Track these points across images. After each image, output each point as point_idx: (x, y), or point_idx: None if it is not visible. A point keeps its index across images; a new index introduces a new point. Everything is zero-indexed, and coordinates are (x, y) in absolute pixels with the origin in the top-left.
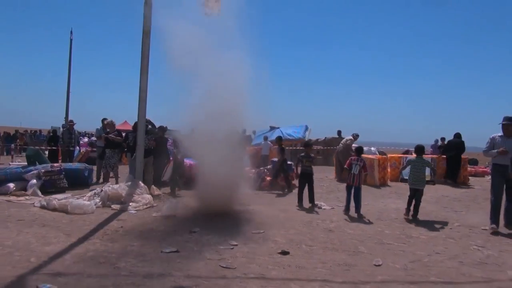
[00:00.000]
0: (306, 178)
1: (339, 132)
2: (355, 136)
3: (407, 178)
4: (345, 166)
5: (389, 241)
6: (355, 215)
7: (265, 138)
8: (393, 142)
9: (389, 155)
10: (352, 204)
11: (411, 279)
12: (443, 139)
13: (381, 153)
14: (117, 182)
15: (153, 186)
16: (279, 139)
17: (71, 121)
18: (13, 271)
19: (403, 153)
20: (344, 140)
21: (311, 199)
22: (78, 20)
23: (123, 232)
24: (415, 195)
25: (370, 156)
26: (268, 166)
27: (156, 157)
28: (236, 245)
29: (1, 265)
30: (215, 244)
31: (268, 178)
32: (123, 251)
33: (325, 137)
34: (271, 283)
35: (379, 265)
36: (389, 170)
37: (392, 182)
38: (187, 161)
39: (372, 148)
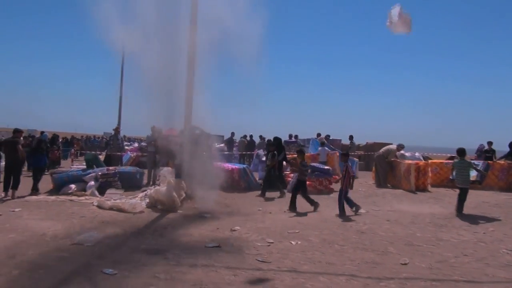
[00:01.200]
0: (303, 186)
1: (350, 137)
2: (399, 147)
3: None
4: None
5: (419, 243)
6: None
7: (322, 144)
8: (441, 148)
9: (431, 161)
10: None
11: (435, 277)
12: (490, 143)
13: (425, 158)
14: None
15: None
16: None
17: (117, 127)
18: (80, 258)
19: (448, 159)
20: (385, 148)
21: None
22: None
23: (171, 229)
24: (461, 193)
25: (406, 161)
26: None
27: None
28: (272, 242)
29: (71, 253)
30: (253, 241)
31: (307, 183)
32: (171, 244)
33: (366, 142)
34: (302, 275)
35: (405, 264)
36: (430, 175)
37: (434, 187)
38: (229, 165)
39: (416, 154)
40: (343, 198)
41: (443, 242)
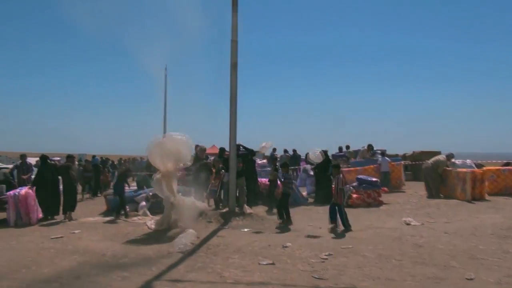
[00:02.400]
0: (285, 199)
1: (369, 147)
2: (449, 157)
3: None
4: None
5: (483, 256)
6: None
7: (383, 154)
8: (489, 153)
9: (487, 168)
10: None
11: None
12: None
13: (478, 166)
14: (209, 203)
15: (245, 205)
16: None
17: None
18: (140, 278)
19: (504, 165)
20: (434, 159)
21: (287, 214)
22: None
23: (223, 247)
24: None
25: (462, 169)
26: (354, 184)
27: (247, 178)
28: (327, 258)
29: (131, 272)
30: (306, 257)
31: (355, 196)
32: (226, 263)
33: (413, 152)
34: None
35: (471, 279)
36: (486, 183)
37: (492, 196)
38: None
39: (468, 161)
40: (342, 212)
41: (509, 255)
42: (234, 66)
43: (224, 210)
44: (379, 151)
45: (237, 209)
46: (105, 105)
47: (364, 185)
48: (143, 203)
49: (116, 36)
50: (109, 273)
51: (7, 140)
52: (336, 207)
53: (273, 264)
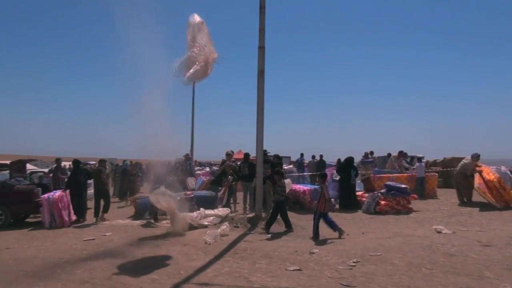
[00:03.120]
0: (280, 207)
1: (400, 153)
2: (475, 158)
3: None
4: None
5: None
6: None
7: (419, 160)
8: None
9: None
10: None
11: None
12: None
13: None
14: (235, 207)
15: (270, 210)
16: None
17: (187, 154)
18: (169, 280)
19: None
20: (461, 163)
21: (287, 224)
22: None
23: (250, 251)
24: None
25: (489, 176)
26: (382, 190)
27: (273, 183)
28: (355, 265)
29: (160, 274)
30: (334, 264)
31: (383, 202)
32: (253, 267)
33: (444, 158)
34: None
35: None
36: None
37: None
38: (301, 186)
39: (503, 168)
40: (318, 221)
41: None
42: (261, 73)
43: (251, 215)
44: (416, 157)
45: (263, 214)
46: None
47: (393, 191)
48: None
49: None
50: (139, 276)
51: (41, 145)
52: (317, 215)
53: (300, 270)
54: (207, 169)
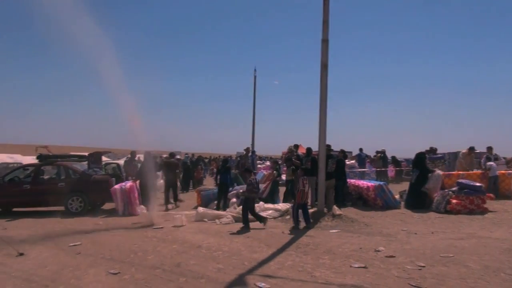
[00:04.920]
0: (251, 202)
1: (470, 149)
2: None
3: None
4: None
5: None
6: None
7: (496, 158)
8: None
9: None
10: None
11: None
12: None
13: None
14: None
15: (334, 206)
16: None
17: (248, 148)
18: (234, 270)
19: None
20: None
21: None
22: (260, 56)
23: (313, 246)
24: None
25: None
26: (454, 188)
27: (337, 179)
28: (424, 266)
29: (225, 265)
30: (401, 263)
31: (455, 201)
32: (316, 263)
33: None
34: None
35: None
36: None
37: None
38: (364, 182)
39: None
40: (297, 211)
41: None
42: (324, 67)
43: (313, 210)
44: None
45: (325, 210)
46: (196, 104)
47: (465, 190)
48: (234, 199)
49: (209, 35)
50: (205, 264)
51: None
52: (295, 207)
53: (365, 267)
54: (268, 163)
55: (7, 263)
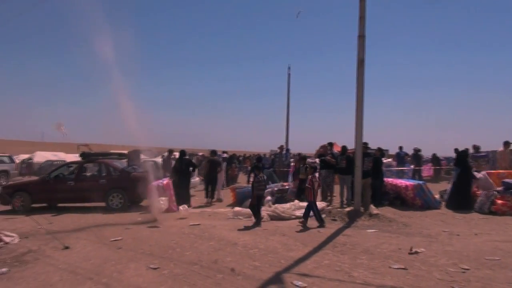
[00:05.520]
0: (258, 200)
1: (506, 144)
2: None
3: None
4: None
5: None
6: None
7: None
8: None
9: None
10: None
11: None
12: None
13: None
14: (331, 200)
15: (371, 205)
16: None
17: (281, 146)
18: (270, 268)
19: None
20: None
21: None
22: (295, 52)
23: (350, 246)
24: None
25: None
26: (499, 188)
27: (373, 178)
28: (468, 269)
29: (262, 262)
30: (443, 266)
31: (500, 202)
32: (353, 262)
33: None
34: None
35: None
36: None
37: None
38: (403, 181)
39: None
40: (314, 209)
41: None
42: (361, 63)
43: (349, 209)
44: None
45: (361, 209)
46: (230, 102)
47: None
48: (269, 197)
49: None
50: (241, 261)
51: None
52: (308, 204)
53: (405, 269)
54: None
55: (54, 255)
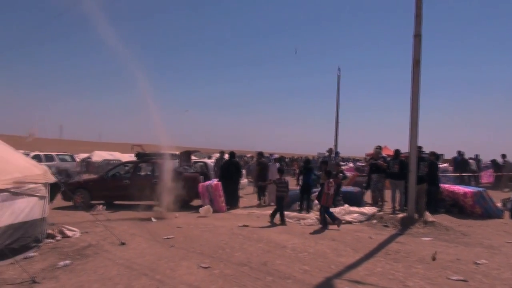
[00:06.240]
0: (280, 201)
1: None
2: None
3: None
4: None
5: None
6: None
7: None
8: None
9: None
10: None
11: None
12: None
13: None
14: (383, 205)
15: (427, 212)
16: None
17: (331, 149)
18: (320, 273)
19: None
20: None
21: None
22: (345, 52)
23: (404, 254)
24: None
25: None
26: None
27: (429, 183)
28: None
29: (311, 267)
30: (507, 280)
31: None
32: (408, 271)
33: None
34: None
35: None
36: None
37: None
38: (461, 188)
39: None
40: (324, 213)
41: None
42: (416, 63)
43: (402, 215)
44: None
45: (415, 216)
46: (277, 104)
47: None
48: (316, 201)
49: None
50: (291, 264)
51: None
52: (322, 208)
53: (465, 281)
54: (351, 164)
55: (111, 250)
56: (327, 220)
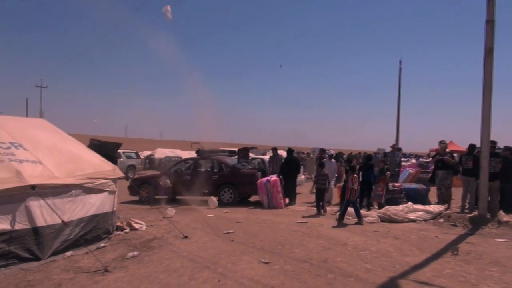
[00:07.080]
0: (321, 193)
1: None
2: None
3: None
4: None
5: None
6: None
7: None
8: None
9: None
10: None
11: None
12: None
13: None
14: (449, 204)
15: (501, 211)
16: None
17: (394, 145)
18: (384, 272)
19: None
20: None
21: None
22: (406, 44)
23: (476, 255)
24: None
25: None
26: None
27: (503, 181)
28: None
29: (374, 265)
30: None
31: None
32: (481, 274)
33: None
34: None
35: None
36: None
37: None
38: None
39: None
40: (346, 207)
41: None
42: (489, 52)
43: (472, 214)
44: None
45: (488, 215)
46: (337, 100)
47: None
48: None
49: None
50: (352, 262)
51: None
52: (351, 204)
53: None
54: (413, 160)
55: (175, 243)
56: (360, 214)
